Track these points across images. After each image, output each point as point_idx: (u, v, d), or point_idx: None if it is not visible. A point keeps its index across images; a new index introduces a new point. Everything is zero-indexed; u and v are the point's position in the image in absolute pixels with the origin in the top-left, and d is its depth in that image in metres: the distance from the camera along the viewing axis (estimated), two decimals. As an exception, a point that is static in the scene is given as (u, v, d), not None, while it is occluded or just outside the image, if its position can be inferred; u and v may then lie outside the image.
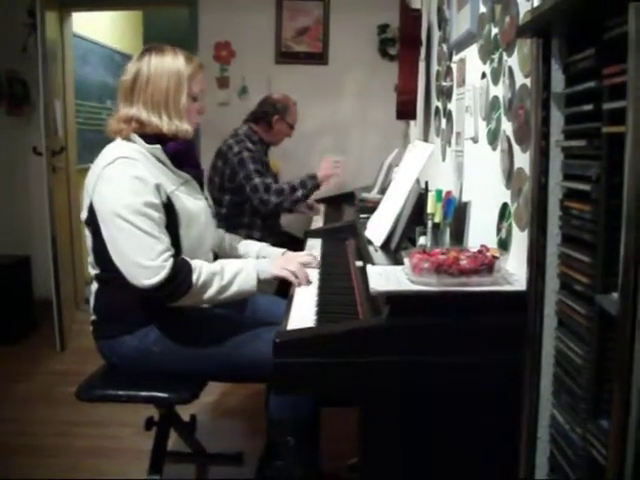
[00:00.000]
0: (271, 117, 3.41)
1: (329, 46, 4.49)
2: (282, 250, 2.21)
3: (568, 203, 1.09)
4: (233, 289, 1.77)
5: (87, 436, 2.68)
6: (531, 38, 1.17)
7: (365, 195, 3.00)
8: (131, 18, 6.14)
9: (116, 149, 1.76)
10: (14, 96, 4.38)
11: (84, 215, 1.79)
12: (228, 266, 1.79)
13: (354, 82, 4.50)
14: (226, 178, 3.24)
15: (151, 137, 1.79)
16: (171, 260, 1.67)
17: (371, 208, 2.33)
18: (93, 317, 1.88)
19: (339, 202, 3.87)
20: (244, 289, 1.79)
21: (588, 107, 0.99)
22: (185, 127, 1.82)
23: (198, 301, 1.76)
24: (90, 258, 1.84)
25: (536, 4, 1.19)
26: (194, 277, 1.69)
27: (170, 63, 1.79)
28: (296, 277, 1.86)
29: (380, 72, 4.43)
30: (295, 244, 2.67)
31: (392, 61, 4.36)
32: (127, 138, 1.79)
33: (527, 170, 1.35)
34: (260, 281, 1.81)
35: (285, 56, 4.49)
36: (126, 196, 1.67)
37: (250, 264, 1.83)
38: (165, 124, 1.78)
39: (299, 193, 3.24)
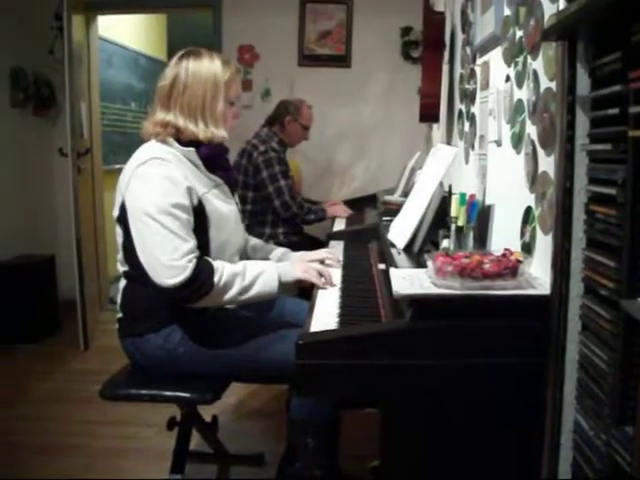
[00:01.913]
0: (284, 118, 3.54)
1: (352, 49, 4.50)
2: (302, 252, 2.22)
3: (593, 207, 1.09)
4: (254, 290, 1.77)
5: (109, 435, 2.70)
6: (556, 41, 1.17)
7: (388, 198, 2.99)
8: (155, 21, 6.21)
9: (150, 150, 1.78)
10: (41, 98, 4.44)
11: (116, 212, 1.81)
12: (250, 267, 1.80)
13: (377, 85, 4.50)
14: (250, 175, 3.35)
15: (186, 140, 1.81)
16: (194, 261, 1.67)
17: (394, 211, 2.33)
18: (119, 315, 1.90)
19: (361, 205, 3.87)
20: (265, 291, 1.79)
21: (614, 111, 0.99)
22: (222, 134, 1.83)
23: (220, 302, 1.76)
24: (119, 255, 1.86)
25: (562, 7, 1.19)
26: (216, 278, 1.70)
27: (207, 69, 1.80)
28: (319, 278, 1.87)
29: (403, 75, 4.43)
30: (317, 246, 2.68)
31: (415, 64, 4.36)
32: (163, 140, 1.80)
33: (551, 174, 1.35)
34: (282, 283, 1.82)
35: (308, 59, 4.51)
36: (156, 196, 1.69)
37: (272, 266, 1.84)
38: (201, 131, 1.80)
39: (311, 216, 3.49)
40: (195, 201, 1.76)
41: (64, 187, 4.08)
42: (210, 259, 1.75)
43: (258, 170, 3.33)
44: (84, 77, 4.21)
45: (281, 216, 3.38)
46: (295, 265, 1.90)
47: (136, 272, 1.76)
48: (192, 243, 1.70)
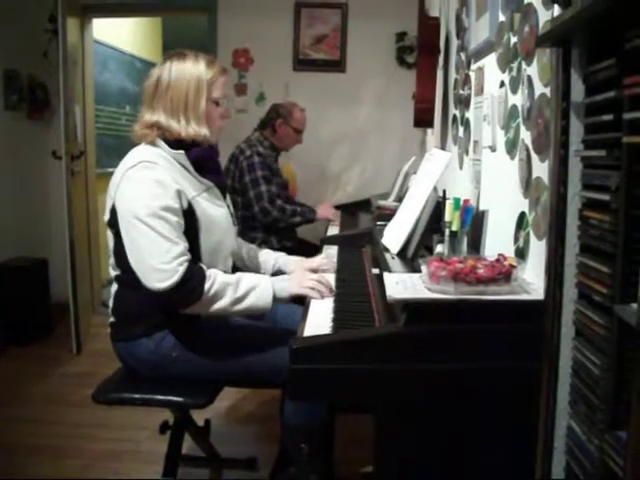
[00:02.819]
0: (275, 122, 3.52)
1: (347, 54, 4.51)
2: (298, 258, 2.20)
3: (587, 213, 1.09)
4: (246, 303, 1.75)
5: (102, 439, 2.70)
6: (551, 47, 1.17)
7: (382, 202, 2.99)
8: (150, 25, 6.21)
9: (140, 153, 1.78)
10: (35, 101, 4.43)
11: (106, 217, 1.81)
12: (245, 279, 1.78)
13: (371, 90, 4.51)
14: (236, 179, 3.33)
15: (175, 143, 1.81)
16: (185, 265, 1.67)
17: (388, 215, 2.33)
18: (111, 319, 1.89)
19: (355, 209, 3.87)
20: (258, 305, 1.77)
21: (608, 117, 0.99)
22: (204, 132, 1.82)
23: (210, 310, 1.74)
24: (111, 260, 1.86)
25: (556, 14, 1.19)
26: (207, 285, 1.69)
27: (190, 68, 1.80)
28: (314, 289, 1.83)
29: (397, 80, 4.44)
30: (311, 251, 2.67)
31: (409, 69, 4.37)
32: (152, 143, 1.80)
33: (545, 179, 1.35)
34: (276, 299, 1.80)
35: (303, 63, 4.51)
36: (145, 199, 1.69)
37: (268, 280, 1.81)
38: (183, 128, 1.79)
39: (296, 219, 3.42)
40: (185, 204, 1.76)
41: (57, 190, 4.08)
42: (204, 266, 1.74)
43: (242, 175, 3.32)
44: (78, 80, 4.21)
45: (262, 222, 3.34)
46: (292, 280, 1.86)
47: (128, 276, 1.76)
48: (182, 246, 1.70)
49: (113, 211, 1.76)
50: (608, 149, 0.98)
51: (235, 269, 2.01)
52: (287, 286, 1.83)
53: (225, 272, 1.82)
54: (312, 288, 1.83)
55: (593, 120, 1.07)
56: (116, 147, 5.25)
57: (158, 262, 1.64)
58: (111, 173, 1.81)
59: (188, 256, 1.70)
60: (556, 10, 1.19)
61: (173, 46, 2.01)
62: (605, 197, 0.99)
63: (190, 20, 5.94)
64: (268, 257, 2.22)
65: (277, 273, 2.14)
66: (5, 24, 4.09)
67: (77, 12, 4.15)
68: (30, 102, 4.40)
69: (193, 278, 1.67)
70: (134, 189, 1.71)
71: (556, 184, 1.14)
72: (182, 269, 1.65)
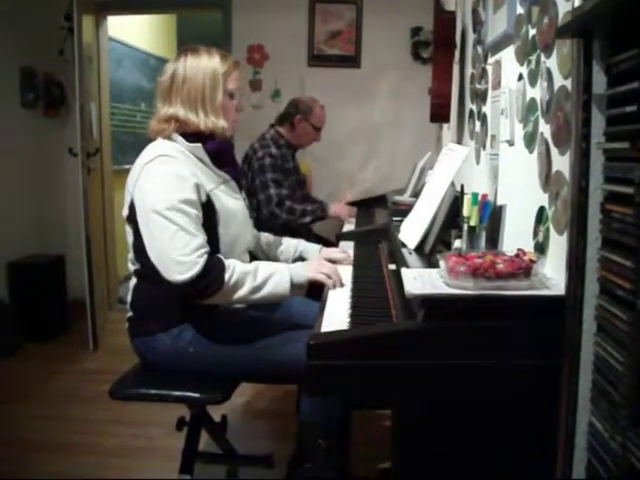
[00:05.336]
0: (293, 117, 3.42)
1: (362, 49, 4.49)
2: (319, 246, 2.24)
3: (609, 206, 1.07)
4: (266, 290, 1.76)
5: (118, 435, 2.71)
6: (572, 39, 1.15)
7: (398, 198, 2.98)
8: (165, 22, 6.23)
9: (157, 147, 1.79)
10: (51, 98, 4.46)
11: (125, 212, 1.82)
12: (262, 267, 1.79)
13: (387, 85, 4.49)
14: (249, 181, 3.27)
15: (192, 136, 1.82)
16: (205, 257, 1.67)
17: (404, 211, 2.32)
18: (130, 314, 1.90)
19: (371, 205, 3.85)
20: (277, 291, 1.78)
21: (631, 108, 0.97)
22: (222, 124, 1.84)
23: (229, 300, 1.75)
24: (130, 254, 1.87)
25: (577, 4, 1.17)
26: (226, 275, 1.69)
27: (205, 62, 1.82)
28: (330, 278, 1.85)
29: (413, 75, 4.42)
30: (327, 247, 2.66)
31: (425, 64, 4.35)
32: (168, 137, 1.81)
33: (566, 173, 1.33)
34: (294, 285, 1.81)
35: (318, 59, 4.50)
36: (164, 192, 1.69)
37: (285, 267, 1.82)
38: (202, 121, 1.81)
39: (307, 219, 3.29)
40: (203, 197, 1.77)
41: (74, 187, 4.10)
42: (222, 257, 1.74)
43: (253, 177, 3.26)
44: (94, 77, 4.23)
45: (268, 225, 3.09)
46: (308, 265, 1.89)
47: (147, 270, 1.76)
48: (202, 238, 1.70)
49: (132, 206, 1.77)
50: (631, 141, 0.97)
51: (256, 260, 2.02)
52: (303, 270, 1.84)
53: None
54: (328, 276, 1.85)
55: (615, 112, 1.05)
56: (131, 144, 5.27)
57: (178, 255, 1.65)
58: (127, 170, 1.81)
59: (207, 248, 1.71)
60: (576, 1, 1.18)
61: (187, 43, 2.01)
62: (628, 190, 0.97)
63: (205, 17, 5.95)
64: (289, 245, 2.25)
65: (298, 260, 2.18)
66: (21, 23, 4.11)
67: (92, 10, 4.17)
68: (46, 100, 4.42)
69: (213, 269, 1.68)
70: (153, 183, 1.72)
71: (577, 177, 1.12)
72: (202, 261, 1.66)
